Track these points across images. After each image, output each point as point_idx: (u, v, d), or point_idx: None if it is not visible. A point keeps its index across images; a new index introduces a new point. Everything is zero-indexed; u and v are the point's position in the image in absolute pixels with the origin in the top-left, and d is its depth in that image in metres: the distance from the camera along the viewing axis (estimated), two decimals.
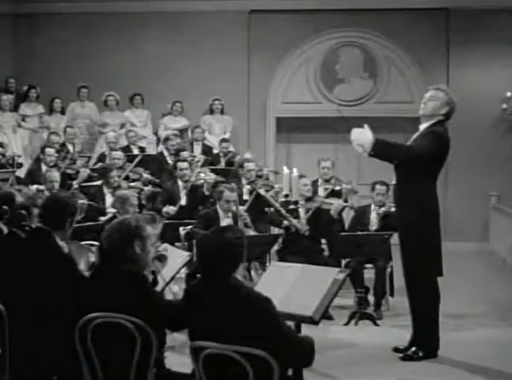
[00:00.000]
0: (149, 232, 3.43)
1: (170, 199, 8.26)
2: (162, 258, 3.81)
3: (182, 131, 11.19)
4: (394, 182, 4.82)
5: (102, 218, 6.99)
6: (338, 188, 8.25)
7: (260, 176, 8.80)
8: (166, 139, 10.15)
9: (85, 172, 8.58)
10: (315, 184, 8.08)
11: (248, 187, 8.35)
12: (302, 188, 7.12)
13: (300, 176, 7.17)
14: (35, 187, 7.95)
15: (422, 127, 4.74)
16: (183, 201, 8.27)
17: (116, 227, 3.39)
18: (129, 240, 3.34)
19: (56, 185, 7.69)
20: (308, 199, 7.21)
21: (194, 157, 9.76)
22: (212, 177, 8.43)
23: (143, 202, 8.21)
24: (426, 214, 4.65)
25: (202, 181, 8.39)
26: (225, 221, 6.76)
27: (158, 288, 3.79)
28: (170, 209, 7.99)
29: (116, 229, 3.37)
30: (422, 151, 4.56)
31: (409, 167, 4.64)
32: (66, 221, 3.92)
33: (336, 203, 7.27)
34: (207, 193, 8.17)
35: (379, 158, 4.62)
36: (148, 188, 8.58)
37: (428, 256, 4.66)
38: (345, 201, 8.10)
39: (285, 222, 7.03)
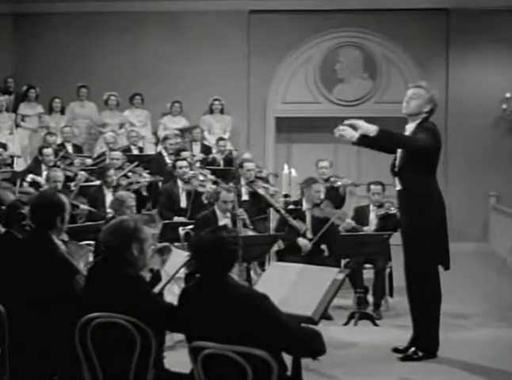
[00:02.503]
0: (147, 234, 3.39)
1: (169, 198, 8.26)
2: (164, 250, 3.76)
3: (183, 131, 11.19)
4: (398, 188, 4.78)
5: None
6: (337, 184, 8.25)
7: (260, 178, 8.79)
8: (165, 139, 10.15)
9: (82, 176, 8.55)
10: None
11: (247, 187, 8.34)
12: (313, 194, 7.10)
13: (314, 182, 7.17)
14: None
15: (410, 127, 4.69)
16: (183, 203, 8.25)
17: (114, 229, 3.36)
18: (127, 242, 3.31)
19: (60, 185, 7.65)
20: (315, 205, 7.16)
21: (193, 156, 9.76)
22: (212, 188, 8.39)
23: (144, 193, 8.29)
24: (435, 217, 4.64)
25: (203, 190, 8.34)
26: (223, 221, 6.75)
27: (161, 284, 3.74)
28: None
29: (114, 231, 3.34)
30: (426, 143, 4.52)
31: (412, 170, 4.61)
32: (55, 219, 3.78)
33: (347, 223, 7.18)
34: (205, 202, 8.14)
35: (382, 140, 4.55)
36: (145, 180, 8.58)
37: (435, 258, 4.64)
38: (344, 195, 8.11)
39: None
